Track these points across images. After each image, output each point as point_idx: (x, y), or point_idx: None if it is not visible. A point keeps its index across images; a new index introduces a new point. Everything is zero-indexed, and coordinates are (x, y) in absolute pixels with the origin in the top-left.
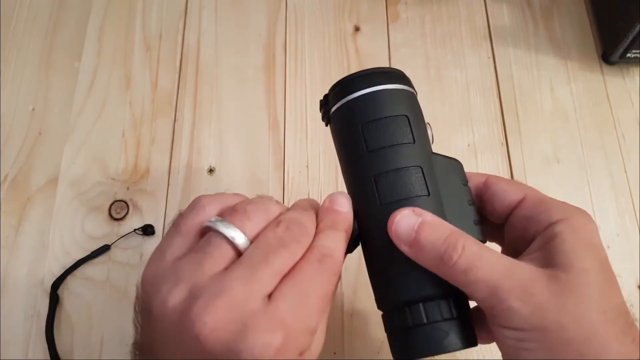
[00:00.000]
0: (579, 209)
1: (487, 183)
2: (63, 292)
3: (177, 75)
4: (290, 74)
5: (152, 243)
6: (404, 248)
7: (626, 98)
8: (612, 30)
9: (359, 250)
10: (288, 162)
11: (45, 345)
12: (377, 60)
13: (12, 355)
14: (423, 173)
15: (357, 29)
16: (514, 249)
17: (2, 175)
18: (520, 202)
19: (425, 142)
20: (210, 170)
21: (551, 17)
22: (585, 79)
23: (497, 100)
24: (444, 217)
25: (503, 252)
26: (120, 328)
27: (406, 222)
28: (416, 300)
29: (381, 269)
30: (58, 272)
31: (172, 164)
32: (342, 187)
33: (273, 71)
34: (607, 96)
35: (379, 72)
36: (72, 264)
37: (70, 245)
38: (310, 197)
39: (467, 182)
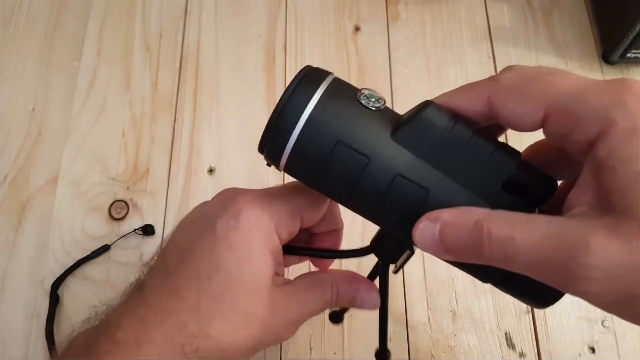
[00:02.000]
0: (620, 92)
1: (491, 106)
2: (63, 292)
3: (177, 75)
4: (290, 74)
5: (152, 243)
6: (444, 257)
7: None
8: (612, 30)
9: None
10: None
11: (45, 344)
12: (377, 60)
13: (12, 355)
14: (404, 177)
15: (357, 28)
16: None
17: (2, 175)
18: (543, 122)
19: (376, 134)
20: (210, 170)
21: (551, 17)
22: None
23: None
24: (461, 196)
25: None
26: None
27: (427, 235)
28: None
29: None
30: (58, 272)
31: (172, 164)
32: None
33: (273, 71)
34: None
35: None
36: (72, 263)
37: (70, 245)
38: None
39: (453, 123)
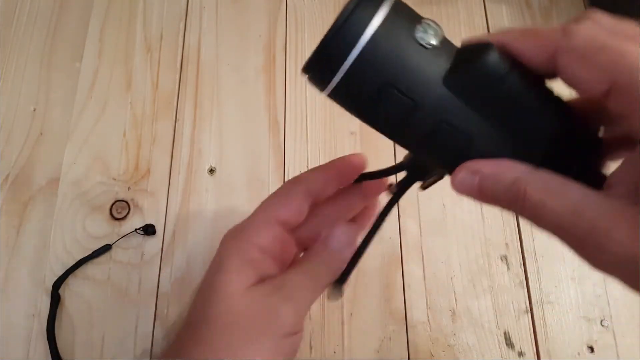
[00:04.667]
0: None
1: (555, 61)
2: (64, 291)
3: (177, 76)
4: (290, 75)
5: (153, 243)
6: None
7: None
8: None
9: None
10: (288, 162)
11: (46, 344)
12: None
13: (12, 355)
14: (449, 124)
15: None
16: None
17: (4, 175)
18: (605, 96)
19: (427, 77)
20: (211, 171)
21: (550, 18)
22: None
23: None
24: (506, 148)
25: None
26: (121, 328)
27: (466, 184)
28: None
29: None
30: (59, 272)
31: (172, 164)
32: None
33: (273, 72)
34: None
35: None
36: (73, 263)
37: (72, 245)
38: None
39: (509, 71)
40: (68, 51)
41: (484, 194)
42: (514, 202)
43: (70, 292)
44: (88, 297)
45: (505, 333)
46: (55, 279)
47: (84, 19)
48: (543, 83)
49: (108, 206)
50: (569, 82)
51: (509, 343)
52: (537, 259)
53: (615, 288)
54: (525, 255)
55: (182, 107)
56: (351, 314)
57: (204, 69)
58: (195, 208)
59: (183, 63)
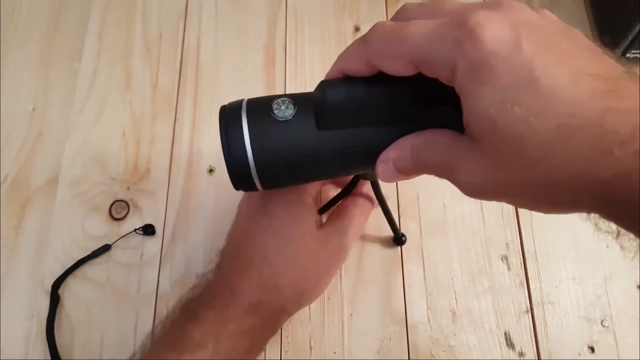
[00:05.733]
0: (459, 37)
1: (373, 65)
2: (63, 292)
3: (177, 75)
4: (290, 74)
5: (153, 243)
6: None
7: None
8: (611, 31)
9: (358, 251)
10: None
11: (46, 345)
12: None
13: (12, 355)
14: (347, 148)
15: (357, 29)
16: None
17: (3, 175)
18: (417, 70)
19: (308, 135)
20: (211, 170)
21: None
22: None
23: None
24: (393, 133)
25: None
26: (120, 328)
27: (387, 172)
28: None
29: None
30: (58, 272)
31: (172, 164)
32: None
33: (273, 71)
34: None
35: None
36: (72, 263)
37: (71, 245)
38: None
39: (348, 88)
40: (67, 50)
41: (402, 171)
42: (420, 166)
43: (70, 292)
44: (87, 297)
45: (505, 333)
46: (55, 279)
47: (83, 18)
48: (378, 74)
49: (107, 206)
50: (392, 74)
51: (510, 343)
52: (538, 259)
53: (615, 288)
54: (526, 255)
55: (181, 107)
56: (351, 315)
57: (204, 68)
58: (194, 208)
59: (182, 62)
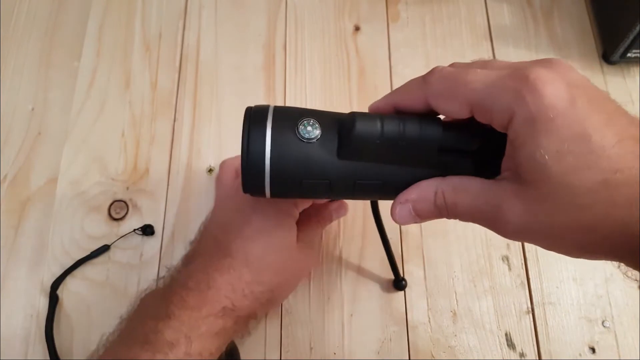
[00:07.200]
0: (519, 87)
1: (429, 104)
2: (63, 292)
3: (176, 75)
4: (290, 74)
5: (152, 243)
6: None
7: (627, 98)
8: (612, 30)
9: (358, 251)
10: None
11: (45, 345)
12: (377, 60)
13: (12, 355)
14: (362, 180)
15: (357, 28)
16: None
17: (2, 175)
18: (471, 114)
19: (326, 160)
20: (210, 170)
21: (551, 17)
22: None
23: None
24: (413, 175)
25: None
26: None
27: (404, 214)
28: None
29: None
30: (57, 272)
31: (171, 164)
32: None
33: (273, 71)
34: None
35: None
36: (71, 264)
37: (70, 245)
38: None
39: (382, 123)
40: (66, 50)
41: (420, 214)
42: (443, 209)
43: (69, 292)
44: (86, 297)
45: (506, 334)
46: (54, 279)
47: (83, 18)
48: (411, 115)
49: (106, 206)
50: (445, 115)
51: (510, 344)
52: (539, 259)
53: (616, 288)
54: (527, 255)
55: (181, 107)
56: (351, 315)
57: (203, 67)
58: (194, 208)
59: (182, 62)
